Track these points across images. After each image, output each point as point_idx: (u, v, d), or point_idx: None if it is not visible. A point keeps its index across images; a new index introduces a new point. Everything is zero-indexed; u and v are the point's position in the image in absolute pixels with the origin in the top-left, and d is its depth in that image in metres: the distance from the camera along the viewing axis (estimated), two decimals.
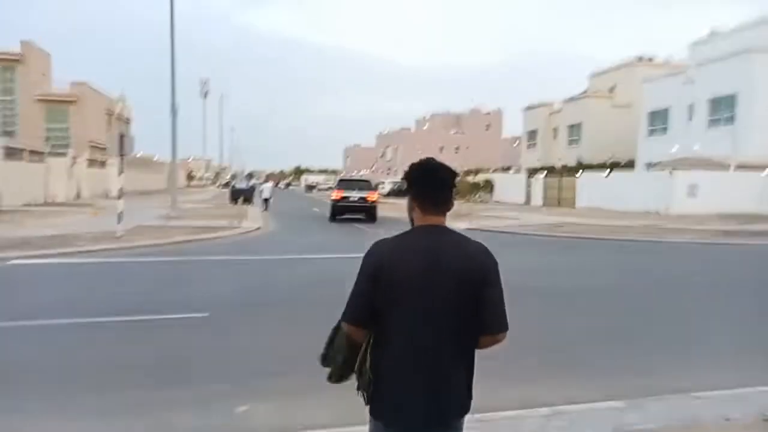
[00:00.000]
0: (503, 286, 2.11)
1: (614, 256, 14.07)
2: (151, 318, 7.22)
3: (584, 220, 24.02)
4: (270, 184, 35.99)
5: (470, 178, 49.03)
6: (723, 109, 33.17)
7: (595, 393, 4.74)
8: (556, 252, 14.91)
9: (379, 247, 2.10)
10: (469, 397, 2.12)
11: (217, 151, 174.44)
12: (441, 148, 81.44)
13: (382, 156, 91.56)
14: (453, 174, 2.15)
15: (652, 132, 40.05)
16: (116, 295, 8.62)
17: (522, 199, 41.48)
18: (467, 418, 2.16)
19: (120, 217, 15.48)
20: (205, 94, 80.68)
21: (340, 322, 2.16)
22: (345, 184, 25.72)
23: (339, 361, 2.18)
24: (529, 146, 56.35)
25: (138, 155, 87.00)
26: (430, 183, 2.13)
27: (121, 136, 15.01)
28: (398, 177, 67.16)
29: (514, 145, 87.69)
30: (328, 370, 2.24)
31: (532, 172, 44.55)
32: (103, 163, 46.54)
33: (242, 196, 30.58)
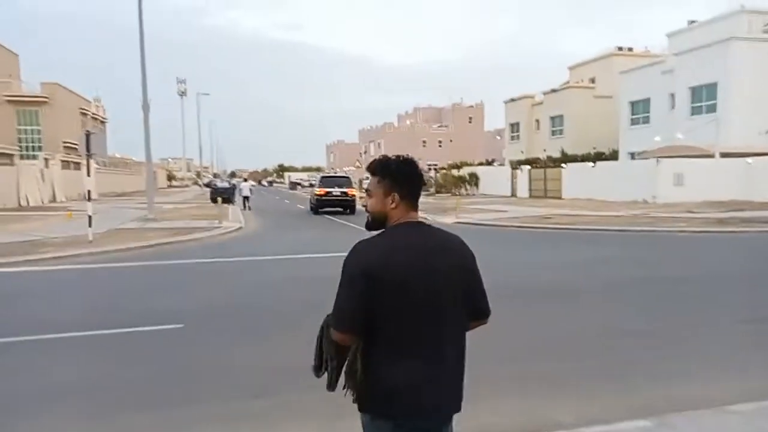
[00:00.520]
0: (486, 279, 2.19)
1: (613, 248, 13.63)
2: (119, 332, 6.55)
3: (573, 211, 23.69)
4: (249, 183, 35.91)
5: (455, 172, 48.66)
6: (704, 97, 33.16)
7: (615, 408, 4.22)
8: (551, 245, 14.46)
9: (364, 247, 2.03)
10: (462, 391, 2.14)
11: (198, 151, 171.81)
12: (424, 142, 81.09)
13: (365, 152, 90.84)
14: (420, 169, 2.19)
15: (633, 122, 39.99)
16: (81, 307, 7.93)
17: (508, 191, 41.18)
18: None
19: (90, 220, 14.68)
20: (183, 94, 79.40)
21: (323, 327, 2.11)
22: (327, 181, 27.97)
23: (333, 366, 2.11)
24: (512, 138, 56.09)
25: (117, 156, 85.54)
26: (415, 180, 2.13)
27: (87, 134, 14.22)
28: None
29: (497, 138, 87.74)
30: (322, 379, 2.16)
31: (517, 164, 44.29)
32: (78, 165, 45.13)
33: (222, 195, 29.78)
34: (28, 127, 53.04)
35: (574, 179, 34.34)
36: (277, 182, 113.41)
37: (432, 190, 47.48)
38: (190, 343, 6.18)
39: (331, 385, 2.13)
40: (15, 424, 4.18)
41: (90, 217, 14.76)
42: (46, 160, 38.01)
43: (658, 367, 5.24)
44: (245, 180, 46.58)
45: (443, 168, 55.81)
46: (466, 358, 2.13)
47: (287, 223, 22.75)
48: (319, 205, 26.37)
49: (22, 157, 45.51)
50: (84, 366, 5.47)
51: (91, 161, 15.14)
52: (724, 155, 28.70)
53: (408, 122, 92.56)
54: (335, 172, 55.64)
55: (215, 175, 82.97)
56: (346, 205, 26.53)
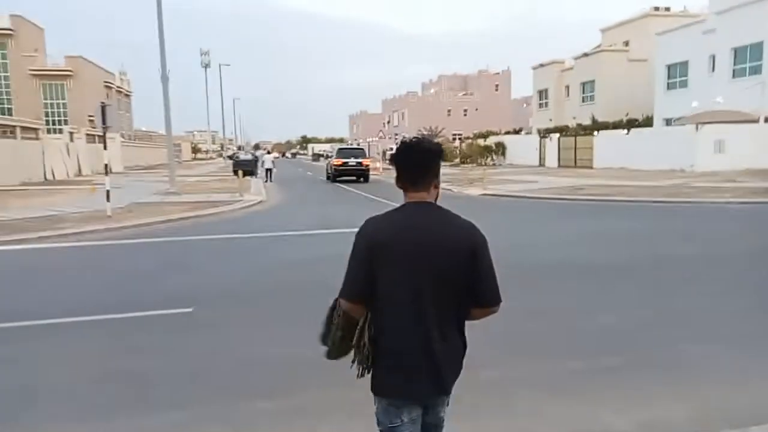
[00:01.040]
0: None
1: (656, 221, 12.74)
2: (123, 317, 6.11)
3: (607, 181, 22.62)
4: (272, 155, 35.70)
5: (481, 141, 47.41)
6: (748, 58, 31.18)
7: (674, 409, 3.57)
8: (588, 218, 13.61)
9: (370, 224, 2.14)
10: (460, 369, 2.19)
11: (225, 124, 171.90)
12: (449, 111, 79.36)
13: (388, 122, 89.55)
14: (430, 151, 2.15)
15: (670, 86, 38.06)
16: (88, 288, 7.53)
17: (536, 161, 39.95)
18: None
19: (108, 195, 14.35)
20: (206, 66, 79.08)
21: (336, 300, 2.19)
22: (344, 152, 30.32)
23: (338, 337, 2.20)
24: (540, 106, 54.31)
25: (143, 130, 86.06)
26: (408, 161, 2.15)
27: (103, 106, 13.75)
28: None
29: (524, 106, 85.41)
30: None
31: (545, 132, 42.82)
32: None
33: (244, 168, 29.37)
34: (54, 101, 53.40)
35: (606, 147, 32.97)
36: (300, 154, 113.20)
37: (457, 160, 46.41)
38: (198, 331, 5.69)
39: (330, 354, 2.24)
40: (31, 415, 3.74)
41: (108, 191, 14.44)
42: (71, 133, 38.06)
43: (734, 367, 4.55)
44: (268, 152, 46.22)
45: (468, 137, 54.49)
46: (465, 344, 2.17)
47: (309, 196, 22.26)
48: (336, 174, 28.62)
49: (48, 131, 46.00)
50: (82, 357, 5.02)
51: (113, 134, 14.72)
52: None
53: (432, 91, 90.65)
54: (350, 144, 56.94)
55: (239, 148, 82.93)
56: (361, 174, 28.65)
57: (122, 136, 57.62)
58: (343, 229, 11.20)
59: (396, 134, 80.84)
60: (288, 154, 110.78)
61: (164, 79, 21.13)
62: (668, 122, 35.01)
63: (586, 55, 47.76)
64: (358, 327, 2.15)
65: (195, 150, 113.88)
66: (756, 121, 27.27)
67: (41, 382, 4.51)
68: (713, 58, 33.21)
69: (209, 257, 9.68)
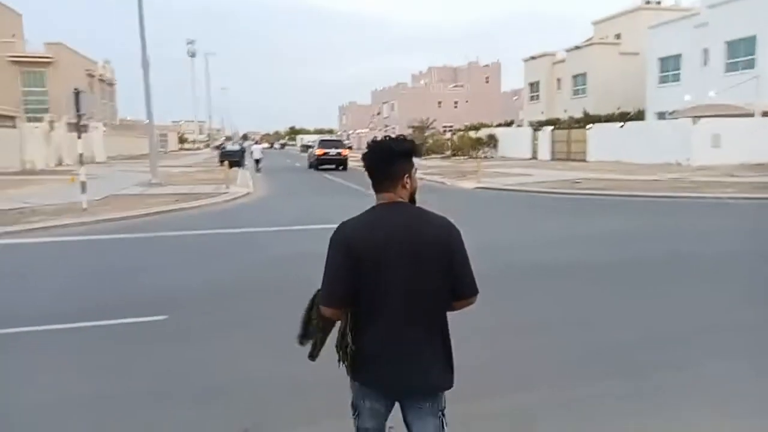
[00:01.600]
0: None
1: (660, 217, 12.22)
2: (87, 325, 5.42)
3: (603, 174, 22.12)
4: (261, 146, 35.22)
5: (472, 134, 46.80)
6: (741, 52, 30.85)
7: None
8: (588, 213, 13.08)
9: (346, 228, 2.13)
10: (450, 370, 2.17)
11: (212, 114, 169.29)
12: (439, 103, 78.59)
13: (378, 113, 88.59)
14: (392, 151, 2.14)
15: (662, 80, 37.68)
16: (52, 291, 6.80)
17: (528, 153, 39.45)
18: None
19: (84, 186, 13.53)
20: (192, 54, 77.73)
21: (312, 300, 2.21)
22: (325, 143, 33.25)
23: (319, 339, 2.24)
24: (531, 98, 53.77)
25: (128, 119, 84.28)
26: (371, 163, 2.16)
27: (77, 93, 12.88)
28: (396, 134, 64.53)
29: (514, 98, 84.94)
30: (305, 347, 2.28)
31: (537, 125, 42.33)
32: (85, 127, 43.98)
33: (230, 159, 28.54)
34: (34, 89, 51.82)
35: (600, 141, 32.53)
36: (289, 145, 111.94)
37: (448, 152, 45.81)
38: (169, 345, 5.00)
39: (313, 356, 2.28)
40: None
41: (84, 182, 13.62)
42: (51, 122, 36.82)
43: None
44: (257, 143, 45.36)
45: (460, 129, 53.86)
46: (447, 338, 2.16)
47: (297, 188, 21.55)
48: (318, 163, 31.19)
49: (28, 119, 44.58)
50: (30, 377, 4.33)
51: (96, 123, 13.89)
52: (766, 114, 26.70)
53: (422, 82, 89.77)
54: (338, 135, 58.63)
55: (227, 138, 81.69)
56: (339, 163, 30.99)
57: (105, 125, 56.22)
58: (329, 224, 10.52)
59: (386, 126, 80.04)
60: (276, 145, 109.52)
61: (144, 64, 20.23)
62: (661, 116, 34.63)
63: (577, 47, 47.28)
64: (340, 330, 2.18)
65: (182, 140, 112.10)
66: (751, 115, 26.93)
67: None
68: (706, 51, 32.85)
69: (188, 255, 8.96)
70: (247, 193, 18.01)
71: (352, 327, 2.12)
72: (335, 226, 2.15)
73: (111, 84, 71.18)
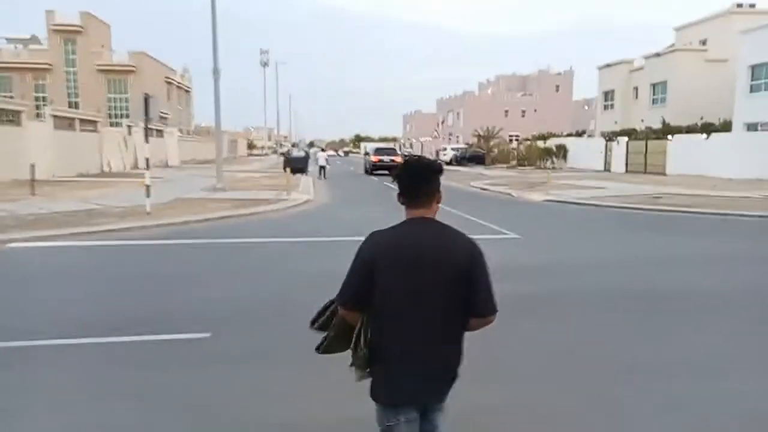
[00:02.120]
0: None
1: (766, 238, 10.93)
2: (128, 340, 5.14)
3: (686, 189, 20.43)
4: (325, 153, 35.88)
5: (540, 143, 45.20)
6: None
7: None
8: (676, 233, 11.86)
9: (373, 238, 2.24)
10: (455, 378, 2.28)
11: (280, 121, 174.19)
12: (506, 112, 76.82)
13: (443, 122, 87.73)
14: (430, 169, 2.25)
15: (754, 88, 34.77)
16: (97, 300, 6.60)
17: (600, 165, 37.55)
18: None
19: (148, 190, 13.70)
20: (265, 64, 79.90)
21: (332, 300, 2.38)
22: (379, 151, 36.68)
23: (330, 337, 2.37)
24: (605, 108, 51.35)
25: (203, 125, 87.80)
26: (409, 179, 2.25)
27: (146, 98, 13.07)
28: (461, 143, 63.54)
29: (585, 108, 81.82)
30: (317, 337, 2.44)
31: (611, 135, 40.25)
32: (161, 132, 45.98)
33: (294, 165, 28.73)
34: (117, 96, 54.79)
35: (682, 153, 30.38)
36: (353, 152, 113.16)
37: (514, 162, 44.42)
38: (210, 368, 4.59)
39: (319, 348, 2.43)
40: None
41: (148, 186, 13.79)
42: (129, 127, 38.58)
43: None
44: (322, 150, 45.92)
45: (527, 139, 52.24)
46: (461, 344, 2.26)
47: (356, 196, 21.22)
48: (373, 169, 34.63)
49: (111, 124, 47.10)
50: (46, 399, 4.03)
51: (171, 129, 14.10)
52: None
53: (489, 91, 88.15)
54: (421, 141, 57.86)
55: (293, 145, 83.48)
56: (392, 169, 35.82)
57: (180, 130, 58.65)
58: None
59: (450, 134, 79.12)
60: (340, 152, 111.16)
61: (215, 72, 20.59)
62: (751, 127, 31.96)
63: (658, 55, 44.68)
64: (355, 332, 2.26)
65: (251, 146, 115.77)
66: None
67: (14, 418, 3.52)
68: None
69: (240, 264, 8.67)
70: (308, 201, 17.84)
71: (365, 330, 2.23)
72: None
73: (187, 91, 74.38)
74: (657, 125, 38.53)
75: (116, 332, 5.29)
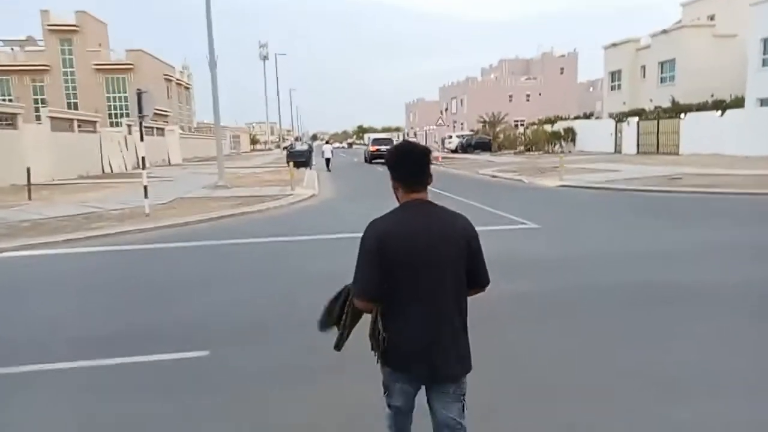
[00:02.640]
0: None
1: None
2: (119, 362, 4.59)
3: (702, 169, 19.73)
4: (331, 146, 36.10)
5: (548, 127, 44.36)
6: None
7: None
8: (702, 218, 11.23)
9: (375, 226, 2.30)
10: (469, 356, 2.36)
11: (282, 115, 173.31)
12: (510, 97, 75.79)
13: (446, 109, 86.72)
14: (424, 153, 2.35)
15: (766, 63, 33.82)
16: (89, 313, 6.07)
17: (610, 147, 36.77)
18: None
19: (146, 191, 13.17)
20: (265, 57, 79.13)
21: (341, 292, 2.44)
22: (377, 141, 38.67)
23: (346, 330, 2.42)
24: (612, 89, 50.35)
25: (204, 122, 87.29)
26: (408, 164, 2.33)
27: (139, 94, 12.48)
28: (465, 130, 62.61)
29: (590, 89, 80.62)
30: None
31: (620, 116, 39.37)
32: (161, 131, 45.47)
33: (297, 159, 28.16)
34: (116, 95, 54.26)
35: (695, 131, 29.60)
36: (356, 143, 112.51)
37: (521, 147, 43.63)
38: (205, 394, 4.03)
39: (338, 346, 2.46)
40: None
41: (146, 187, 13.26)
42: (129, 126, 38.06)
43: None
44: (327, 142, 45.50)
45: (533, 123, 51.36)
46: (466, 327, 2.37)
47: (362, 189, 20.61)
48: (371, 158, 36.31)
49: (111, 124, 46.63)
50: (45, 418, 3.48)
51: (173, 126, 13.54)
52: None
53: (492, 76, 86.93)
54: (425, 129, 57.31)
55: (296, 138, 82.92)
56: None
57: (182, 128, 58.10)
58: None
59: (455, 122, 78.16)
60: (344, 144, 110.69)
61: (212, 65, 19.96)
62: (764, 102, 31.07)
63: (665, 32, 43.59)
64: (372, 319, 2.34)
65: (254, 141, 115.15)
66: None
67: None
68: None
69: (242, 268, 8.10)
70: (312, 195, 17.27)
71: (382, 316, 2.29)
72: None
73: (187, 87, 73.75)
74: (666, 104, 37.64)
75: (104, 353, 4.74)
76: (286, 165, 32.93)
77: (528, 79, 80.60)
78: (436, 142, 55.26)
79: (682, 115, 31.56)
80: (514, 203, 13.49)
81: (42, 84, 52.54)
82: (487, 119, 52.34)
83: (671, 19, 48.97)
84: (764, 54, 34.06)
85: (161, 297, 6.59)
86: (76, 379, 4.36)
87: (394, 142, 36.73)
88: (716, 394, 3.76)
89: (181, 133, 51.87)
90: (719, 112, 29.45)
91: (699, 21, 43.01)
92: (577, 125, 43.26)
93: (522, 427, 3.41)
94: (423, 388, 2.39)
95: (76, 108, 47.77)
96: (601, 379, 4.04)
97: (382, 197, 17.10)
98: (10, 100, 38.94)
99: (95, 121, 33.03)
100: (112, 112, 53.28)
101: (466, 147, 48.21)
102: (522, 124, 56.68)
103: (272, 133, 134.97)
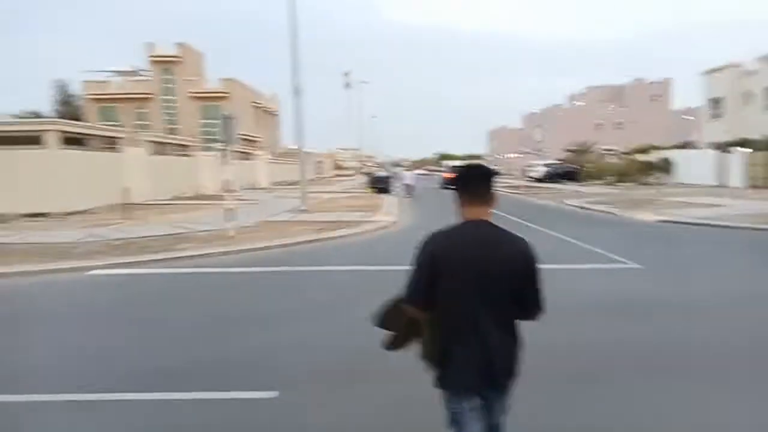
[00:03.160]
0: None
1: None
2: (180, 398, 4.33)
3: None
4: (413, 172, 36.13)
5: (640, 157, 41.91)
6: None
7: None
8: None
9: (434, 238, 2.39)
10: (518, 364, 2.41)
11: (364, 141, 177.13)
12: (598, 125, 72.88)
13: (530, 137, 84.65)
14: (490, 173, 2.43)
15: None
16: (153, 341, 5.94)
17: (712, 179, 34.01)
18: None
19: (230, 215, 13.40)
20: (348, 85, 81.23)
21: (394, 302, 2.54)
22: (452, 169, 35.21)
23: (400, 337, 2.56)
24: (712, 117, 46.98)
25: (292, 148, 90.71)
26: (478, 185, 2.40)
27: (225, 118, 12.79)
28: (550, 158, 60.52)
29: (686, 118, 75.89)
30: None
31: (724, 147, 36.44)
32: (250, 155, 47.39)
33: (377, 185, 28.20)
34: (210, 121, 57.40)
35: None
36: (437, 170, 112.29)
37: (612, 178, 41.38)
38: None
39: (390, 347, 2.63)
40: None
41: (230, 210, 13.49)
42: (222, 150, 39.98)
43: None
44: (407, 170, 45.77)
45: (625, 152, 48.78)
46: (518, 334, 2.40)
47: (442, 216, 20.03)
48: (447, 184, 33.95)
49: (206, 148, 49.27)
50: None
51: (262, 151, 13.85)
52: None
53: (578, 103, 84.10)
54: (506, 158, 56.47)
55: (377, 165, 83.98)
56: None
57: (271, 153, 60.47)
58: None
59: (539, 150, 76.02)
60: (425, 171, 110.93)
61: (296, 92, 20.40)
62: None
63: None
64: (429, 333, 2.40)
65: (338, 166, 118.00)
66: None
67: None
68: None
69: (318, 298, 7.77)
70: (392, 222, 16.95)
71: (440, 331, 2.35)
72: None
73: (274, 114, 76.91)
74: None
75: (166, 386, 4.52)
76: (367, 191, 33.30)
77: (617, 107, 77.23)
78: (518, 170, 53.70)
79: None
80: (610, 239, 12.44)
81: (145, 111, 56.62)
82: (576, 147, 50.32)
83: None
84: None
85: (230, 328, 6.38)
86: (123, 412, 4.14)
87: None
88: None
89: (269, 158, 53.91)
90: None
91: None
92: (675, 155, 40.55)
93: None
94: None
95: (174, 133, 50.97)
96: None
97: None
98: (117, 127, 42.11)
99: (189, 146, 34.88)
100: (207, 137, 56.35)
101: (553, 176, 46.37)
102: (612, 153, 54.02)
103: (355, 159, 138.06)
